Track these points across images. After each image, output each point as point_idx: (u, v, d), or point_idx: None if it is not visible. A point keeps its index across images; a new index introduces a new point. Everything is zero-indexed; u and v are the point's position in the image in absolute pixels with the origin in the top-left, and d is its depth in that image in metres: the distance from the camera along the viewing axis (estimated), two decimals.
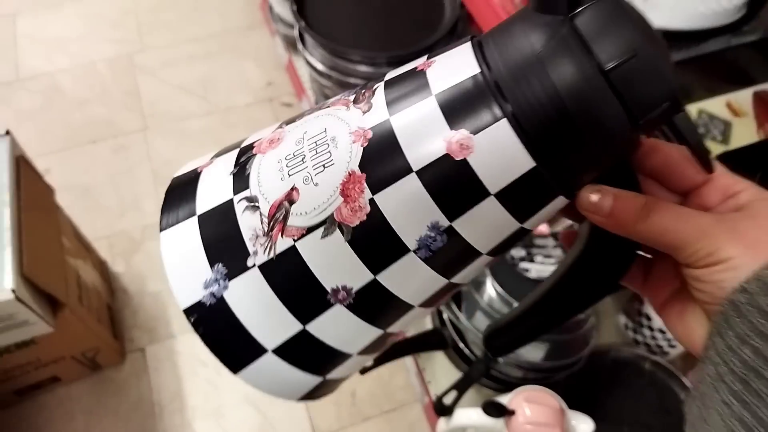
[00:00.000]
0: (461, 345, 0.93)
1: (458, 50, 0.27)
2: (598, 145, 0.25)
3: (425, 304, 0.29)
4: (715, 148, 0.57)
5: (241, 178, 0.28)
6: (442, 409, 0.86)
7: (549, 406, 0.76)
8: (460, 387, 0.87)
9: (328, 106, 0.29)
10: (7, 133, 0.98)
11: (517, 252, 0.92)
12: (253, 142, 0.30)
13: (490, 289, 0.89)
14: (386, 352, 0.93)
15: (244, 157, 0.29)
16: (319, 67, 1.08)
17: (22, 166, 0.98)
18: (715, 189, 0.28)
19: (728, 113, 0.62)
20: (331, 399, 1.20)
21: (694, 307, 0.27)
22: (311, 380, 0.30)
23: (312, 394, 0.31)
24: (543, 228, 0.93)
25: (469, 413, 0.80)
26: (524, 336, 0.35)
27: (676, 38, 0.66)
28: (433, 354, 1.06)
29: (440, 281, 0.28)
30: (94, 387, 1.20)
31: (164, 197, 0.30)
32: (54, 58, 1.67)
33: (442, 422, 0.88)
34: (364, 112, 0.27)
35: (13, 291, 0.83)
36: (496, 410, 0.76)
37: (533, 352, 0.89)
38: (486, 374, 0.90)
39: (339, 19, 1.08)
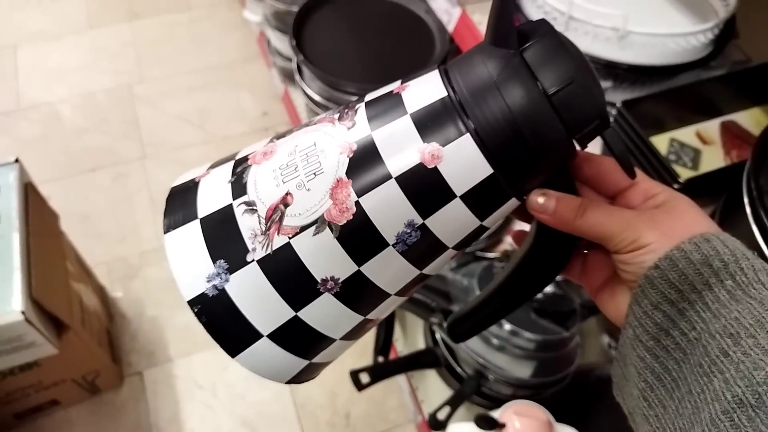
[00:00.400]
0: (453, 363, 0.97)
1: (428, 77, 0.31)
2: (543, 155, 0.30)
3: (399, 293, 0.33)
4: (685, 173, 0.62)
5: (239, 186, 0.32)
6: (436, 424, 0.89)
7: (537, 419, 0.80)
8: (453, 403, 0.91)
9: (315, 123, 0.33)
10: (16, 160, 1.02)
11: None
12: (248, 155, 0.34)
13: None
14: (383, 369, 0.96)
15: (240, 167, 0.33)
16: (316, 98, 1.14)
17: (30, 192, 1.01)
18: (638, 192, 0.33)
19: (698, 141, 0.67)
20: (326, 420, 1.23)
21: (622, 289, 0.32)
22: (299, 363, 0.34)
23: (298, 377, 0.35)
24: None
25: (462, 427, 0.83)
26: (482, 322, 0.40)
27: (649, 73, 0.71)
28: (425, 374, 1.10)
29: (413, 272, 0.32)
30: (93, 410, 1.22)
31: (166, 203, 0.34)
32: (54, 88, 1.72)
33: None
34: (348, 128, 0.31)
35: (23, 313, 0.86)
36: (487, 423, 0.80)
37: (522, 370, 0.92)
38: (477, 391, 0.94)
39: (335, 53, 1.13)
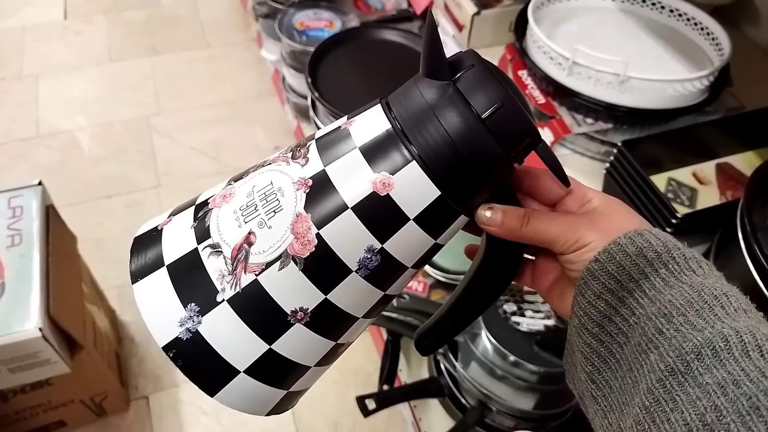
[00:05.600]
0: (457, 393, 0.98)
1: (372, 111, 0.33)
2: (484, 173, 0.32)
3: (366, 315, 0.35)
4: (682, 210, 0.66)
5: (201, 230, 0.33)
6: None
7: None
8: None
9: (270, 163, 0.34)
10: (39, 183, 1.06)
11: (510, 307, 0.99)
12: (207, 199, 0.35)
13: (485, 341, 0.96)
14: (389, 396, 0.98)
15: (201, 212, 0.34)
16: None
17: (51, 214, 1.05)
18: (574, 199, 0.36)
19: (694, 181, 0.71)
20: None
21: (570, 287, 0.35)
22: (277, 394, 0.35)
23: (278, 408, 0.36)
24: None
25: None
26: (446, 334, 0.42)
27: (648, 116, 0.76)
28: (428, 404, 1.11)
29: (377, 294, 0.34)
30: None
31: (131, 253, 0.35)
32: (74, 117, 1.78)
33: None
34: (302, 166, 0.33)
35: (40, 329, 0.89)
36: None
37: (524, 402, 0.94)
38: (480, 422, 0.95)
39: (348, 92, 1.18)
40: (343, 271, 0.32)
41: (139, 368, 1.32)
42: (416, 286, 1.17)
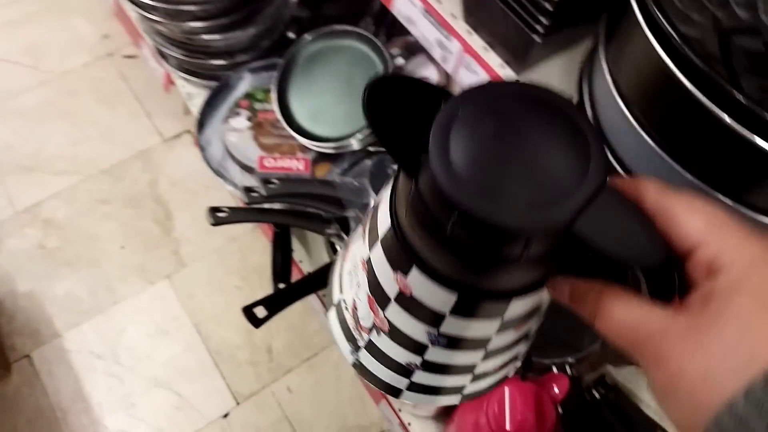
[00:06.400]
0: None
1: (384, 196, 0.30)
2: (496, 276, 0.27)
3: (485, 359, 0.33)
4: None
5: (340, 282, 0.36)
6: None
7: None
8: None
9: (359, 226, 0.35)
10: None
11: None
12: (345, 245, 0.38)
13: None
14: (281, 298, 0.86)
15: (341, 260, 0.37)
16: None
17: None
18: (699, 262, 0.23)
19: None
20: (246, 360, 1.14)
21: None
22: (452, 399, 0.37)
23: (468, 397, 0.37)
24: None
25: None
26: None
27: None
28: None
29: (477, 353, 0.32)
30: None
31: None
32: None
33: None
34: (363, 242, 0.32)
35: None
36: None
37: None
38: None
39: None
40: (420, 345, 0.32)
41: (10, 326, 1.17)
42: (297, 165, 1.01)
